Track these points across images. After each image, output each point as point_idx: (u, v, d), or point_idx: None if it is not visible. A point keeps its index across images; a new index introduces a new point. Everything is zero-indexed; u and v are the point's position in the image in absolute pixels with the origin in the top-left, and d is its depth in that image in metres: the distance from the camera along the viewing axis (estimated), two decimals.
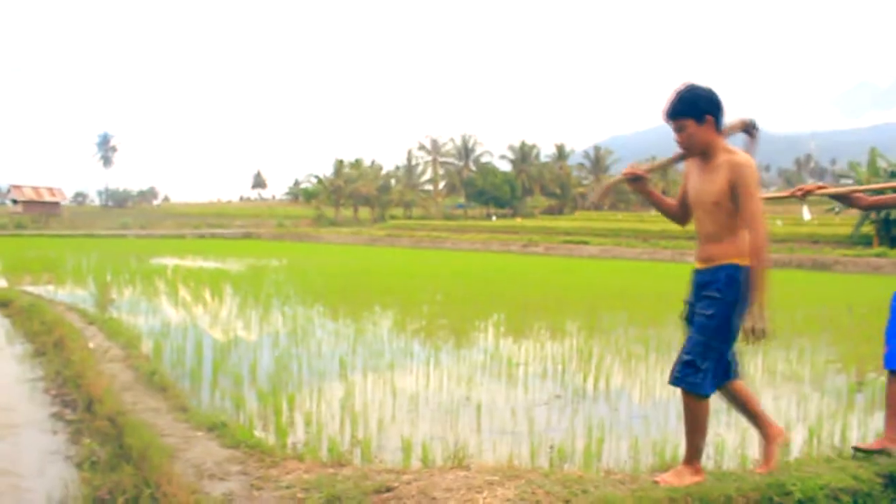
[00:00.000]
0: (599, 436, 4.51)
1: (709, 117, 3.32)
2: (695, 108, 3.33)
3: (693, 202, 3.50)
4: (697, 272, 3.51)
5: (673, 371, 3.35)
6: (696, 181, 3.42)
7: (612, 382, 6.42)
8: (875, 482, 3.50)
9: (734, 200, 3.27)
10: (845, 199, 4.19)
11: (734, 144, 3.41)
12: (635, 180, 3.63)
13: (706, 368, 3.28)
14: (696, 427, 3.35)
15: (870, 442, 3.93)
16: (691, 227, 3.70)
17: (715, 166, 3.33)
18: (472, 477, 3.19)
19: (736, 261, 3.32)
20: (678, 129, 3.36)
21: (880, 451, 3.77)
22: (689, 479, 3.31)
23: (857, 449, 3.88)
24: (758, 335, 3.26)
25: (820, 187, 4.10)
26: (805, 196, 4.12)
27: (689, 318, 3.53)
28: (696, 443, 3.37)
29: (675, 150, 3.47)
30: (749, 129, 3.51)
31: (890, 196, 4.15)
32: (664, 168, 3.98)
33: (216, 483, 3.34)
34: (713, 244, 3.41)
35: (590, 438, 4.46)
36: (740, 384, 3.58)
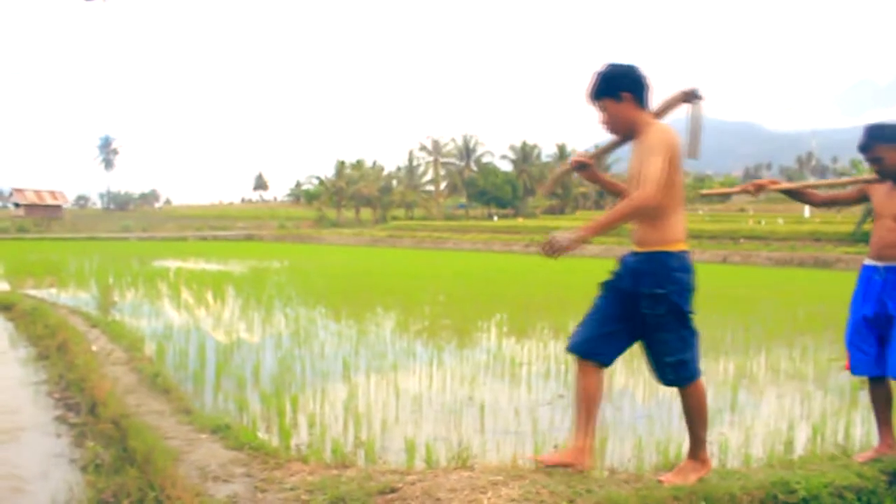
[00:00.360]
0: (603, 436, 4.51)
1: (625, 94, 3.25)
2: (611, 86, 3.27)
3: (628, 183, 3.38)
4: (633, 254, 3.37)
5: (664, 375, 3.27)
6: (630, 161, 3.34)
7: (615, 382, 6.41)
8: (879, 479, 3.50)
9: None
10: (799, 196, 4.19)
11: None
12: (581, 168, 3.68)
13: (691, 357, 3.25)
14: (700, 416, 3.34)
15: (868, 451, 3.88)
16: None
17: (639, 143, 3.26)
18: (476, 477, 3.19)
19: (664, 247, 3.23)
20: (600, 110, 3.33)
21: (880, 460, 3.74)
22: (693, 475, 3.30)
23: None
24: (550, 248, 3.16)
25: (773, 182, 4.09)
26: (758, 191, 4.08)
27: (607, 286, 3.47)
28: (701, 434, 3.35)
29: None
30: (690, 98, 3.30)
31: (842, 192, 4.17)
32: (606, 153, 3.90)
33: (220, 485, 3.34)
34: (643, 226, 3.28)
35: (593, 438, 4.45)
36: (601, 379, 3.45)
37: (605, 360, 3.39)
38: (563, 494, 2.96)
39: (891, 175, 3.78)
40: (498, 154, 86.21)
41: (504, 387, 6.19)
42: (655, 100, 3.35)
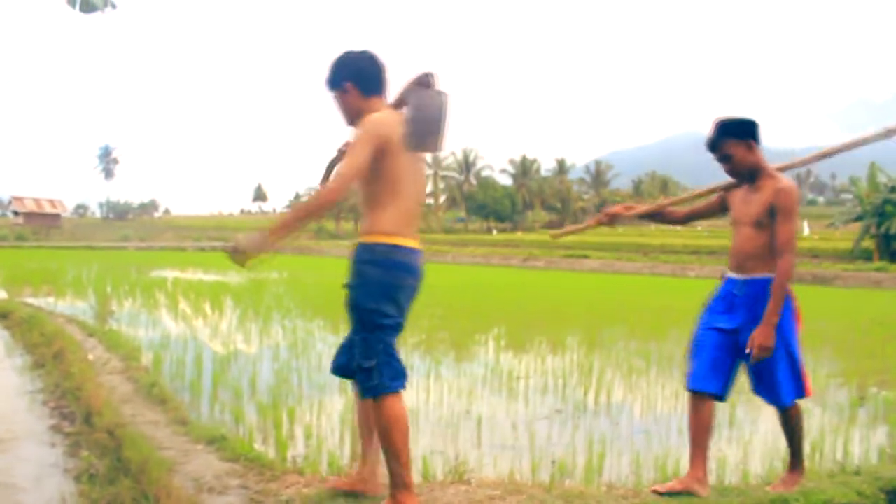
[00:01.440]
0: (601, 450, 4.49)
1: (347, 84, 3.10)
2: (335, 78, 3.16)
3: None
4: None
5: (357, 377, 3.04)
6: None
7: (613, 397, 6.39)
8: (879, 498, 3.48)
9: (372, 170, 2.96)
10: (660, 217, 4.01)
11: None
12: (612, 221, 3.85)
13: (376, 367, 2.95)
14: (388, 443, 2.98)
15: (671, 483, 3.54)
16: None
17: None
18: (472, 491, 3.17)
19: (364, 238, 3.06)
20: (335, 102, 3.22)
21: (682, 493, 3.39)
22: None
23: (655, 492, 3.45)
24: (235, 252, 2.92)
25: (628, 208, 3.93)
26: (613, 221, 3.89)
27: None
28: (392, 465, 2.99)
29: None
30: (423, 81, 3.00)
31: (702, 204, 3.94)
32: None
33: (215, 497, 3.32)
34: (362, 216, 3.16)
35: (591, 453, 4.43)
36: None
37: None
38: None
39: (741, 175, 3.52)
40: (497, 168, 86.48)
41: (501, 401, 6.16)
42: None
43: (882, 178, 36.70)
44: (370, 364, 2.93)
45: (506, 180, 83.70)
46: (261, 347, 8.39)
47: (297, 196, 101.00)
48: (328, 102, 3.25)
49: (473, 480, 3.50)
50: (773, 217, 3.38)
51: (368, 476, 3.26)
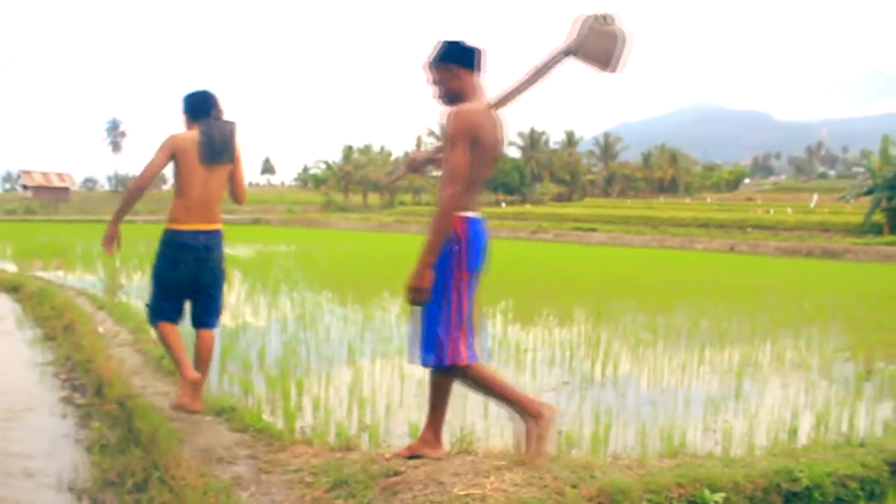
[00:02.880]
0: (607, 422, 4.51)
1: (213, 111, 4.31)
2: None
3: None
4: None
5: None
6: None
7: (620, 369, 6.41)
8: (882, 469, 3.49)
9: None
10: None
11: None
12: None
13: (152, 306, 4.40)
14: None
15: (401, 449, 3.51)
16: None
17: None
18: (479, 462, 3.20)
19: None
20: None
21: (414, 457, 3.32)
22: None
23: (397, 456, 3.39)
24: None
25: (421, 154, 3.87)
26: (416, 168, 3.84)
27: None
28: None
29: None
30: (215, 115, 4.22)
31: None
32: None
33: (224, 467, 3.36)
34: None
35: (597, 424, 4.46)
36: None
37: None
38: (567, 480, 2.96)
39: (446, 102, 3.26)
40: (506, 140, 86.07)
41: (509, 373, 6.19)
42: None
43: (894, 152, 36.37)
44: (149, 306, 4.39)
45: (514, 153, 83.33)
46: (269, 320, 8.43)
47: (306, 169, 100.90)
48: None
49: (480, 450, 3.53)
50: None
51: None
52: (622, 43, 3.18)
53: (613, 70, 3.20)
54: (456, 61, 3.20)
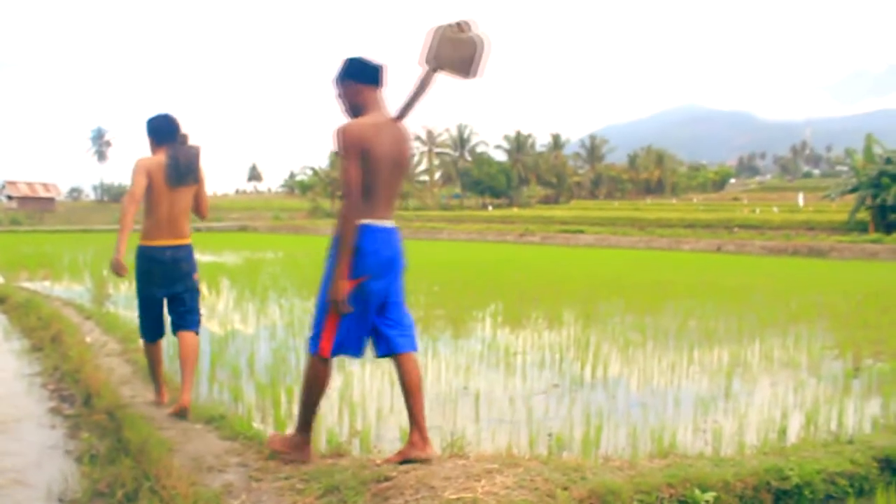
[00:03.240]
0: (598, 423, 4.52)
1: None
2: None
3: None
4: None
5: None
6: None
7: (610, 371, 6.43)
8: (871, 466, 3.52)
9: None
10: None
11: None
12: None
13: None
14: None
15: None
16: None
17: None
18: (470, 465, 3.20)
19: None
20: None
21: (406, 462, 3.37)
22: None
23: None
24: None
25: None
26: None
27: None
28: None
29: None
30: (181, 140, 4.55)
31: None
32: None
33: (215, 475, 3.35)
34: None
35: (588, 426, 4.47)
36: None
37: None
38: (558, 482, 2.97)
39: (350, 115, 3.45)
40: (492, 144, 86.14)
41: (499, 376, 6.20)
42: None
43: (878, 150, 36.63)
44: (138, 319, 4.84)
45: (501, 156, 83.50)
46: (258, 327, 8.41)
47: (292, 175, 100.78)
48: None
49: (471, 454, 3.53)
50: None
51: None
52: (480, 49, 3.22)
53: (473, 76, 3.24)
54: (358, 78, 3.41)
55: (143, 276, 4.59)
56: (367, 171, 3.25)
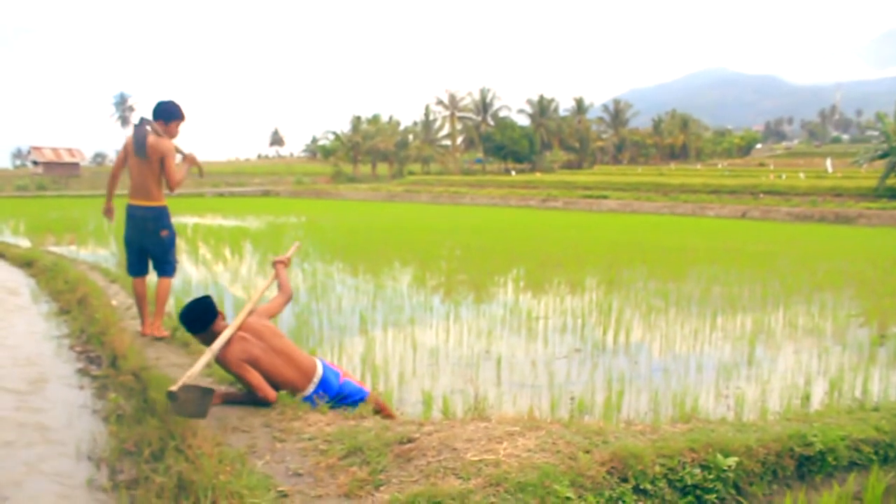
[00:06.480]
0: (619, 388, 4.52)
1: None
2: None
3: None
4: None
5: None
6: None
7: (632, 336, 6.42)
8: None
9: None
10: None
11: None
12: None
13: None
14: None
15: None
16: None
17: None
18: (492, 428, 3.21)
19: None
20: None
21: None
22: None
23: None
24: None
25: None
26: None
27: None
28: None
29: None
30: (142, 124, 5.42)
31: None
32: None
33: (239, 435, 3.39)
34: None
35: (610, 391, 4.47)
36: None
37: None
38: (580, 445, 2.97)
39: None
40: (515, 108, 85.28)
41: (521, 341, 6.20)
42: None
43: None
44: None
45: (523, 120, 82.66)
46: None
47: (314, 140, 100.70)
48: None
49: (493, 417, 3.54)
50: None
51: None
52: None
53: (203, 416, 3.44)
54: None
55: (126, 227, 5.60)
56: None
